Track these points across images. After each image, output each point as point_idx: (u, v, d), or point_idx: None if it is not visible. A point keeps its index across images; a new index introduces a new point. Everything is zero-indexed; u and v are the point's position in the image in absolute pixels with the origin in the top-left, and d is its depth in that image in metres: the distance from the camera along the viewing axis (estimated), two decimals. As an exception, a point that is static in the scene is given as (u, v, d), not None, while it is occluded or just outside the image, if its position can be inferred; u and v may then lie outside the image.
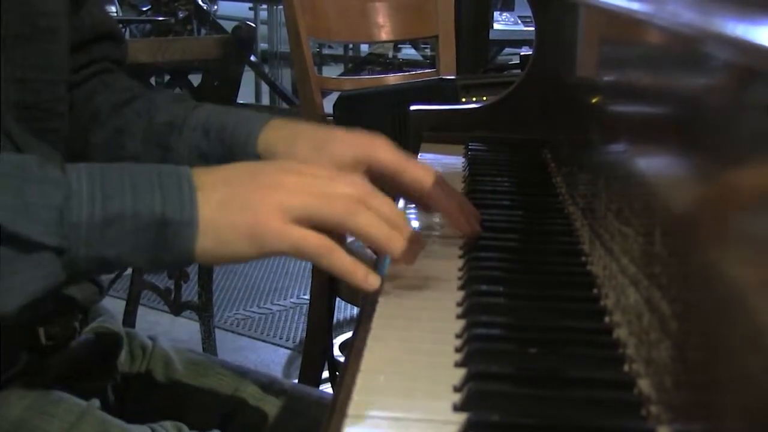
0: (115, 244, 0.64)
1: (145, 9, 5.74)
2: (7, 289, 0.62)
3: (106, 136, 0.93)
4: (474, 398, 0.56)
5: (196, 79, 1.84)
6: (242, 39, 1.94)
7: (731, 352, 0.43)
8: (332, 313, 1.92)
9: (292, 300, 2.92)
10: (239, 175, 0.70)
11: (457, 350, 0.63)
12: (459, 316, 0.69)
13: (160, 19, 5.20)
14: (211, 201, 0.66)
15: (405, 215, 0.78)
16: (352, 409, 0.55)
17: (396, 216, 0.72)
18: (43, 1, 0.82)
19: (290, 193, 0.68)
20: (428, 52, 4.95)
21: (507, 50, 5.05)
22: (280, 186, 0.68)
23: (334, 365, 1.94)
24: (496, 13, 4.83)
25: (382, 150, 0.82)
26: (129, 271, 1.94)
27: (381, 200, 0.71)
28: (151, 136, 0.90)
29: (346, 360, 0.65)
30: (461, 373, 0.59)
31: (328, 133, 0.85)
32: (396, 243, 0.71)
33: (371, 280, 0.70)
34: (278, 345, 2.62)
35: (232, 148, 0.85)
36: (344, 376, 0.61)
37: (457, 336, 0.65)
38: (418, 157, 1.21)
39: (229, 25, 4.03)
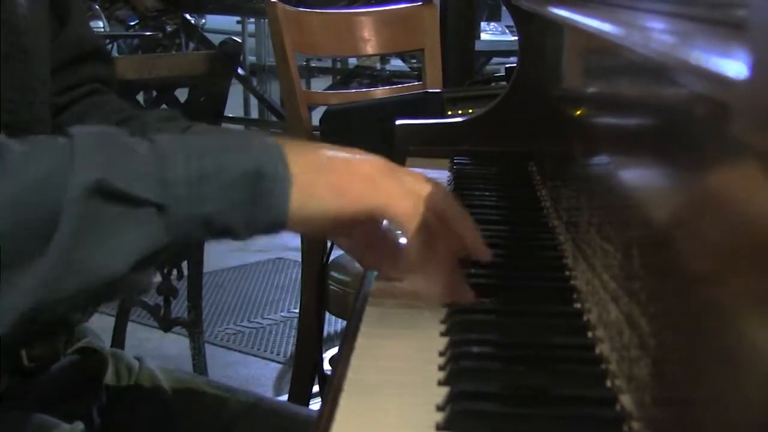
0: (212, 201, 0.65)
1: (132, 24, 5.74)
2: (114, 248, 0.62)
3: None
4: (457, 417, 0.56)
5: (182, 95, 1.84)
6: (228, 54, 1.94)
7: (709, 370, 0.43)
8: (322, 327, 1.92)
9: (282, 314, 2.92)
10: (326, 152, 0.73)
11: (441, 368, 0.64)
12: (442, 334, 0.69)
13: (148, 33, 5.20)
14: (299, 162, 0.68)
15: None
16: (335, 430, 0.55)
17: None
18: (23, 21, 0.82)
19: (374, 168, 0.71)
20: (416, 63, 4.96)
21: (495, 60, 5.07)
22: (365, 162, 0.72)
23: (324, 380, 1.94)
24: (483, 24, 4.85)
25: None
26: (118, 288, 1.94)
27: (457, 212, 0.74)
28: None
29: (329, 380, 0.65)
30: (444, 391, 0.59)
31: None
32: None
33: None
34: (269, 359, 2.62)
35: None
36: (328, 397, 0.61)
37: (441, 354, 0.66)
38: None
39: (216, 39, 4.04)
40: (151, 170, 0.64)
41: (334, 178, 0.69)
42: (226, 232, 0.67)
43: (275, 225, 0.67)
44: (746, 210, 0.35)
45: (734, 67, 0.30)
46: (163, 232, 0.64)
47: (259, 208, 0.66)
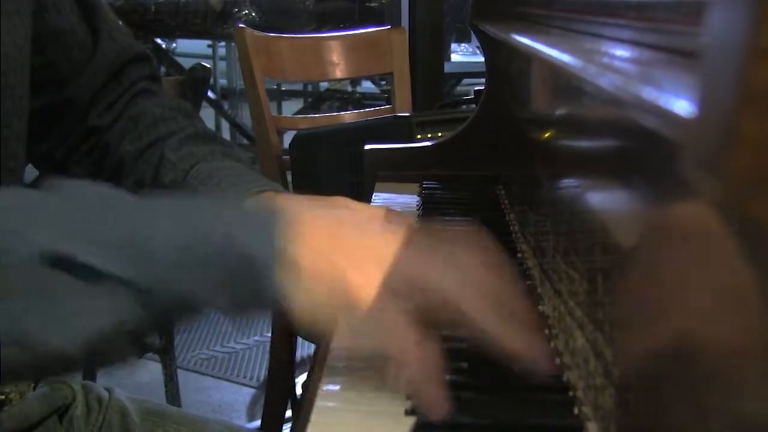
0: (195, 280, 0.58)
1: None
2: (65, 323, 0.56)
3: (129, 187, 0.93)
4: (424, 447, 0.56)
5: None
6: (197, 80, 1.95)
7: (673, 399, 0.44)
8: (294, 352, 1.92)
9: (255, 338, 2.91)
10: (351, 223, 0.64)
11: (409, 397, 0.64)
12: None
13: (119, 58, 5.18)
14: (306, 246, 0.60)
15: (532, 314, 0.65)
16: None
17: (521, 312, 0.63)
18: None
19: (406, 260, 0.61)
20: (386, 85, 4.97)
21: (466, 80, 5.08)
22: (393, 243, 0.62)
23: (297, 404, 1.94)
24: (453, 45, 4.86)
25: None
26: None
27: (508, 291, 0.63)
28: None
29: (299, 407, 0.65)
30: (411, 421, 0.59)
31: None
32: (514, 336, 0.60)
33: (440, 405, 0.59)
34: (242, 384, 2.61)
35: None
36: (297, 423, 0.61)
37: (409, 382, 0.66)
38: (373, 197, 1.22)
39: (188, 62, 4.03)
40: (128, 239, 0.58)
41: (336, 272, 0.60)
42: (212, 311, 0.61)
43: (269, 305, 0.62)
44: (701, 244, 0.36)
45: (683, 105, 0.30)
46: (135, 308, 0.57)
47: (249, 293, 0.60)
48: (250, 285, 0.59)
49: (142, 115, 0.96)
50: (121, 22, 1.02)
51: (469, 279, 0.61)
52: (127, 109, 0.97)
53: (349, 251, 0.61)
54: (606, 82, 0.45)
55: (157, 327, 0.61)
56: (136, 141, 0.94)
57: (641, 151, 0.46)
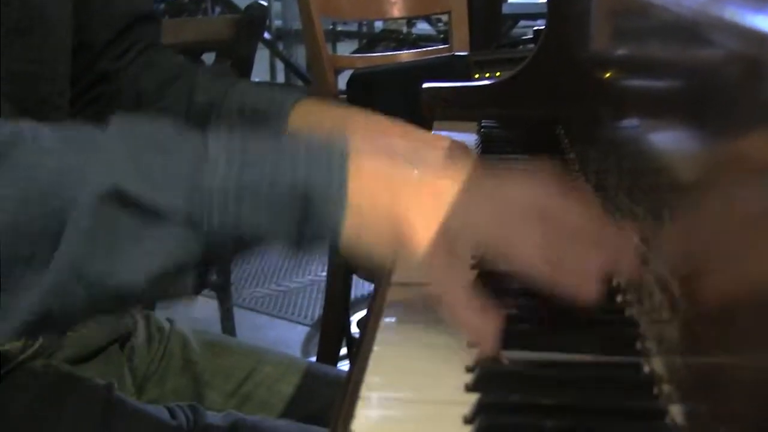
0: (251, 216, 0.58)
1: (158, -12, 5.71)
2: (130, 262, 0.56)
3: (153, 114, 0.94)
4: (486, 379, 0.56)
5: (209, 60, 1.84)
6: (254, 19, 1.94)
7: (737, 334, 0.43)
8: (349, 290, 1.93)
9: (309, 277, 2.93)
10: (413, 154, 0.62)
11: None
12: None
13: (173, -2, 5.19)
14: (365, 183, 0.59)
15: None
16: (364, 391, 0.56)
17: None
18: None
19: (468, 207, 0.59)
20: (442, 26, 4.92)
21: (522, 23, 5.02)
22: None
23: (351, 342, 1.95)
24: (511, -14, 4.79)
25: None
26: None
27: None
28: (191, 117, 0.92)
29: (359, 340, 0.66)
30: (473, 353, 0.59)
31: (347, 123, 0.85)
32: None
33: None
34: (297, 322, 2.64)
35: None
36: (357, 357, 0.61)
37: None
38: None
39: (242, 2, 4.02)
40: (185, 176, 0.58)
41: (390, 209, 0.59)
42: (270, 247, 0.61)
43: (326, 241, 0.60)
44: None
45: (770, 24, 0.30)
46: (191, 245, 0.58)
47: (306, 227, 0.59)
48: (307, 221, 0.59)
49: (156, 62, 0.97)
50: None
51: (523, 229, 0.60)
52: (139, 58, 0.97)
53: (408, 190, 0.60)
54: (685, 6, 0.44)
55: (214, 262, 0.61)
56: (156, 76, 0.95)
57: (718, 79, 0.45)
